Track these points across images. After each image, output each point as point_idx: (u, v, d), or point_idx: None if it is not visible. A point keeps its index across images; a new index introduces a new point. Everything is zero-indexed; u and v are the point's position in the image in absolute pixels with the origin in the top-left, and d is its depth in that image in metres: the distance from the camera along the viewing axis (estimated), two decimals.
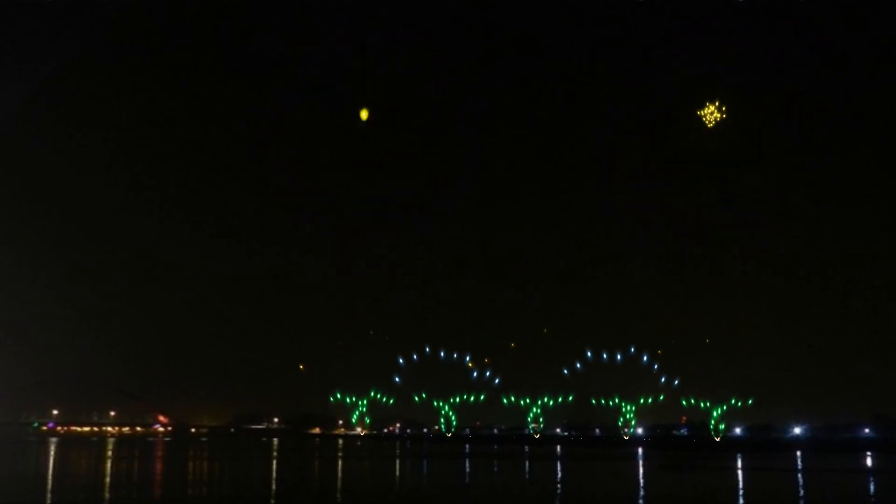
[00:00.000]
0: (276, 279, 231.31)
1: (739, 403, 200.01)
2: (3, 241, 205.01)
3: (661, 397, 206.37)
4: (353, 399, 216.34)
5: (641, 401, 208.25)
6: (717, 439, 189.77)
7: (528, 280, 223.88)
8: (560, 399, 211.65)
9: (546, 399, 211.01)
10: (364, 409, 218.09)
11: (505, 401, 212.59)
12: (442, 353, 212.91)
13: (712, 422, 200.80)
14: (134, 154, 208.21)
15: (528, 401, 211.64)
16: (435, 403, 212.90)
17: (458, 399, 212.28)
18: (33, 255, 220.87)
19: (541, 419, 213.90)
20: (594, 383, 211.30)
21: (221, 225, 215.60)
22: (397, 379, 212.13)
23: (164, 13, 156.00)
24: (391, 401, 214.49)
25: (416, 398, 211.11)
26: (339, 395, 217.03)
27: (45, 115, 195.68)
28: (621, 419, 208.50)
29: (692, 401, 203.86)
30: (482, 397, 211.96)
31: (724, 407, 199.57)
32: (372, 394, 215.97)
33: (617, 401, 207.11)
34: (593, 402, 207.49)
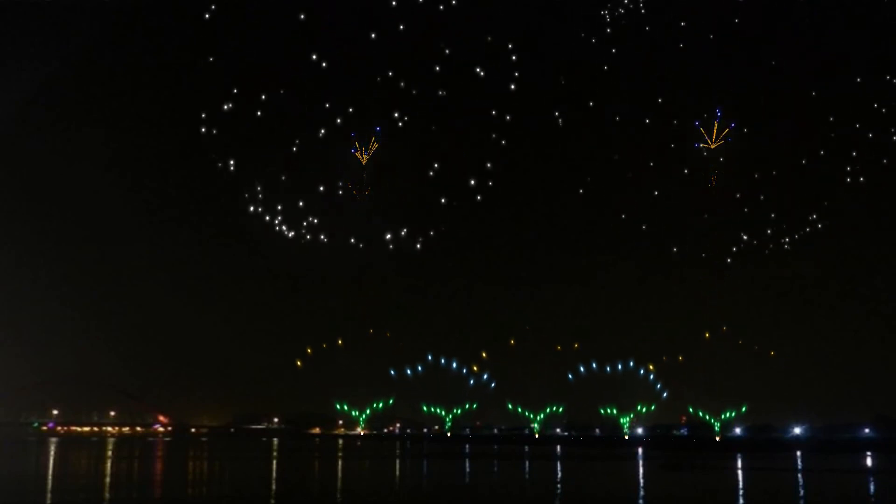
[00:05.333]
0: (276, 279, 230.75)
1: (733, 415, 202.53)
2: (3, 241, 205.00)
3: (664, 394, 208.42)
4: (357, 412, 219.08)
5: (641, 408, 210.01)
6: (717, 439, 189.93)
7: (529, 281, 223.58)
8: (559, 410, 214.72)
9: (548, 410, 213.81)
10: (365, 417, 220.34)
11: (510, 406, 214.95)
12: (442, 359, 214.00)
13: (716, 423, 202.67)
14: (134, 154, 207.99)
15: (529, 414, 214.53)
16: (434, 410, 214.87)
17: (458, 411, 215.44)
18: (33, 255, 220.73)
19: (540, 418, 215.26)
20: (595, 384, 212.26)
21: (221, 225, 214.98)
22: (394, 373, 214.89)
23: (164, 13, 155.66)
24: (391, 401, 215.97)
25: (425, 408, 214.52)
26: (344, 407, 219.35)
27: (45, 115, 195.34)
28: (624, 419, 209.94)
29: (691, 410, 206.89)
30: (474, 406, 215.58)
31: (726, 415, 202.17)
32: (375, 405, 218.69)
33: (615, 410, 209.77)
34: (602, 412, 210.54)
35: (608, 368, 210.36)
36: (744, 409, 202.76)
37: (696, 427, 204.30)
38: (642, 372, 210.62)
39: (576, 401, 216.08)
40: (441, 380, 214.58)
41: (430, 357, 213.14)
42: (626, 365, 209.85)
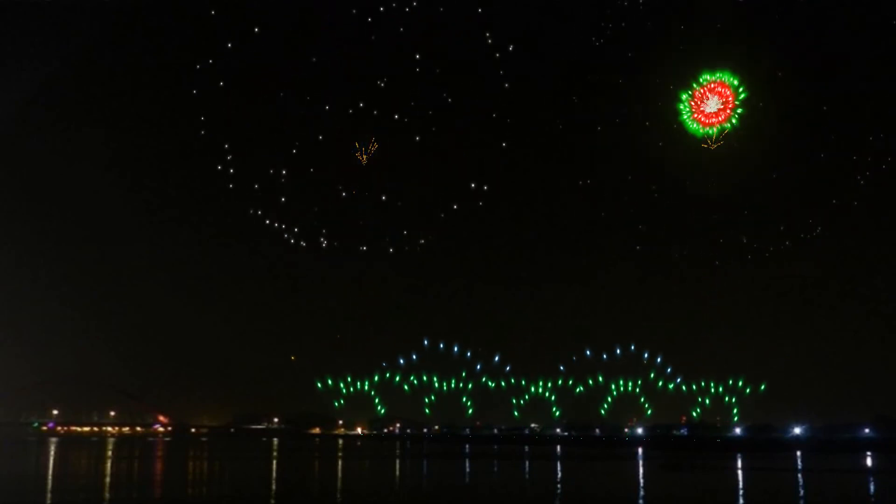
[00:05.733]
0: (276, 279, 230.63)
1: (749, 390, 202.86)
2: (3, 241, 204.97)
3: (671, 386, 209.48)
4: (345, 383, 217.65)
5: (657, 382, 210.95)
6: (718, 440, 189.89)
7: (530, 280, 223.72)
8: (578, 389, 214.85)
9: (559, 382, 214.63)
10: (372, 392, 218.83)
11: (521, 381, 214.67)
12: (441, 345, 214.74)
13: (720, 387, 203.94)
14: (134, 154, 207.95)
15: (523, 382, 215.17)
16: (425, 379, 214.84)
17: (470, 385, 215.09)
18: (33, 255, 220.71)
19: (554, 416, 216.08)
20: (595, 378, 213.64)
21: (221, 225, 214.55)
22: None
23: (165, 13, 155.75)
24: (410, 378, 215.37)
25: (407, 387, 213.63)
26: (328, 382, 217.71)
27: (45, 115, 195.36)
28: (613, 386, 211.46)
29: (702, 385, 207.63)
30: (492, 385, 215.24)
31: (730, 383, 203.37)
32: (377, 378, 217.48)
33: (602, 378, 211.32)
34: (580, 389, 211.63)
35: (609, 366, 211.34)
36: (762, 387, 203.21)
37: (696, 427, 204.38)
38: (643, 372, 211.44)
39: (576, 398, 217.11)
40: (446, 365, 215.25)
41: (426, 342, 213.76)
42: (625, 365, 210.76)
